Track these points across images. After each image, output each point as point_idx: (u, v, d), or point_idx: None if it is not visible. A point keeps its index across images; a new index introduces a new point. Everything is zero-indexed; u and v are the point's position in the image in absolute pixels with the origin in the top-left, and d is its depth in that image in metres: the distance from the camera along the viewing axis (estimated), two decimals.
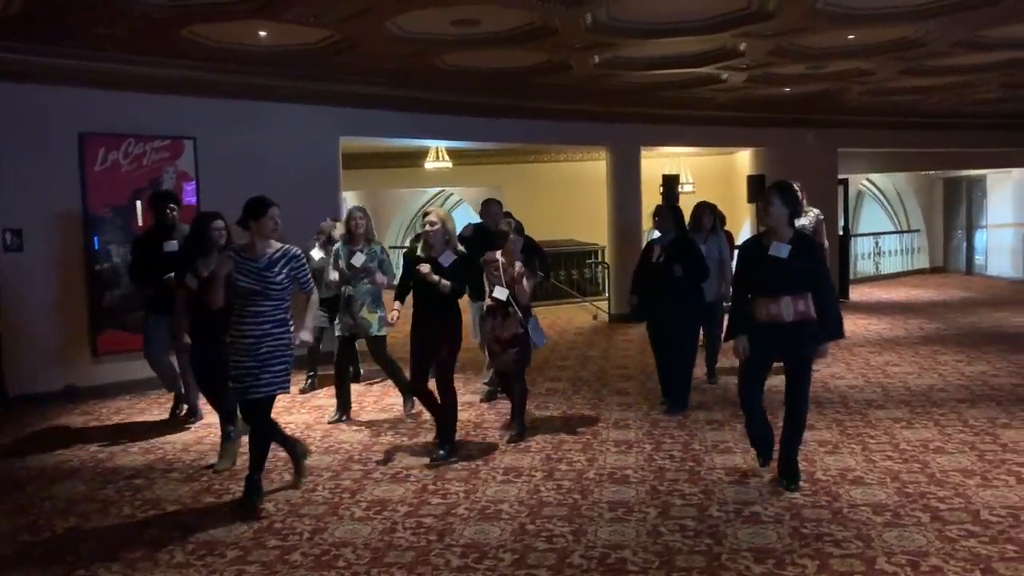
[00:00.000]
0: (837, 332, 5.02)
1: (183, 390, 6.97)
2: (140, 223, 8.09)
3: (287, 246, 4.97)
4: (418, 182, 17.54)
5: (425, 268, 5.59)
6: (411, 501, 4.94)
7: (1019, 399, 6.97)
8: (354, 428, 6.61)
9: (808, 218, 8.07)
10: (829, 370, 8.28)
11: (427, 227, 5.78)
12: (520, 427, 6.25)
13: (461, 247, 5.87)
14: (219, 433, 5.87)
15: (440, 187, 19.52)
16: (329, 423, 6.75)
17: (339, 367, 6.83)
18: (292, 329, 4.93)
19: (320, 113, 9.39)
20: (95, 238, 7.94)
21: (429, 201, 20.97)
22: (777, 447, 5.14)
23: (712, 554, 4.10)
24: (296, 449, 5.30)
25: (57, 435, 6.65)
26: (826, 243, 8.39)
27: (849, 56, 9.18)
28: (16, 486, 5.44)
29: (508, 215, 7.35)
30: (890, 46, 8.74)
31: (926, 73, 10.29)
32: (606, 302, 12.86)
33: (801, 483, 5.00)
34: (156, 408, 7.47)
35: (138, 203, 8.10)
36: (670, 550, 4.16)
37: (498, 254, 6.21)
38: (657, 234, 6.97)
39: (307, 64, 8.61)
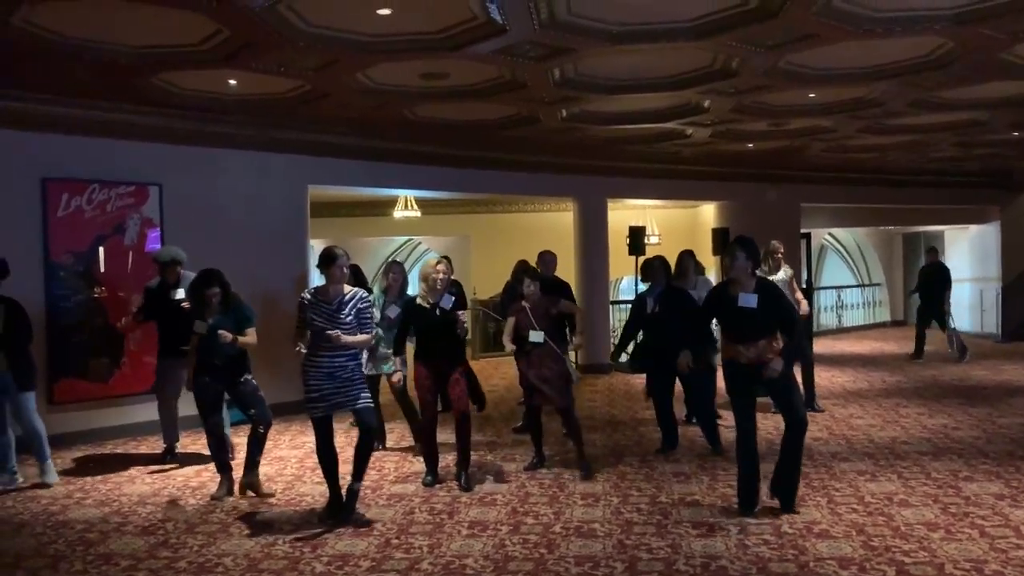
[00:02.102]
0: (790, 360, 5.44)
1: (176, 439, 7.31)
2: (102, 269, 7.99)
3: (356, 289, 5.52)
4: (387, 231, 17.53)
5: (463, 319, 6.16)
6: (374, 556, 4.83)
7: (980, 452, 7.04)
8: (316, 480, 6.48)
9: (779, 276, 8.43)
10: None
11: (439, 275, 6.15)
12: (586, 467, 6.53)
13: (454, 288, 6.32)
14: (176, 486, 5.78)
15: (408, 236, 19.52)
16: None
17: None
18: (365, 360, 5.62)
19: (288, 161, 9.39)
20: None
21: (397, 250, 20.95)
22: (766, 494, 5.58)
23: None
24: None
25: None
26: (799, 297, 8.54)
27: (810, 114, 9.43)
28: None
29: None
30: (849, 105, 9.01)
31: (884, 131, 10.61)
32: (573, 352, 12.83)
33: (766, 535, 5.00)
34: (112, 459, 7.28)
35: (100, 249, 8.00)
36: None
37: (524, 303, 6.61)
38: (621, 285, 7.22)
39: (276, 113, 8.64)
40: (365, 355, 7.08)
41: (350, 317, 5.37)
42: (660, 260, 7.42)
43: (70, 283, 7.85)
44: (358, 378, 5.47)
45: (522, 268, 7.93)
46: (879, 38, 6.47)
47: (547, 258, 8.47)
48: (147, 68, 6.86)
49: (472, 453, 6.48)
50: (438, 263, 6.25)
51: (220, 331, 5.87)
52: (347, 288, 5.47)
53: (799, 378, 7.05)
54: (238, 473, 6.21)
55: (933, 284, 12.89)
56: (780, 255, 8.45)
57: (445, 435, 6.39)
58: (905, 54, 7.17)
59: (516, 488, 6.20)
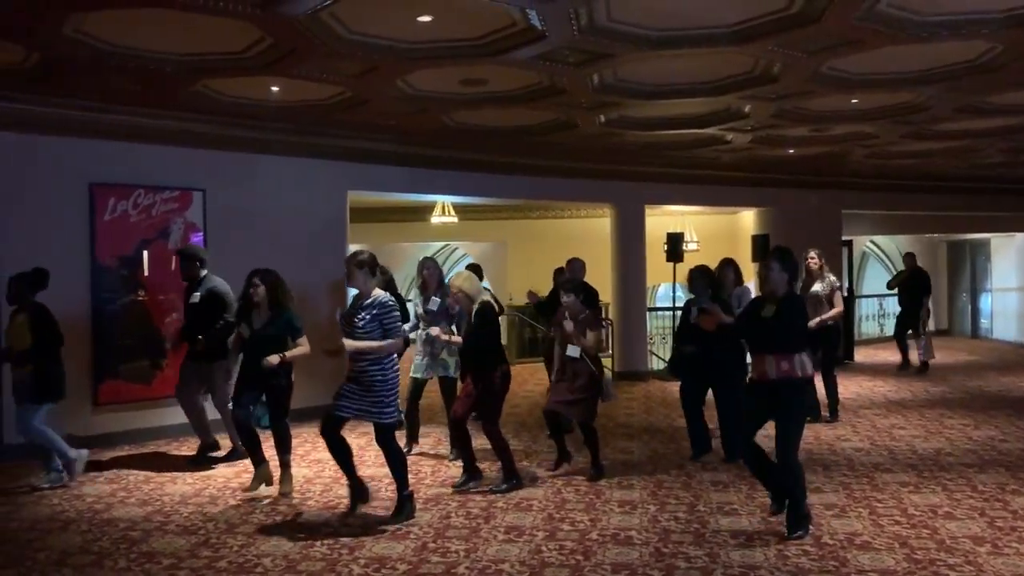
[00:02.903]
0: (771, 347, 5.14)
1: (208, 434, 7.36)
2: (146, 273, 8.14)
3: (380, 294, 5.52)
4: (424, 236, 17.62)
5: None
6: (411, 559, 4.85)
7: None
8: None
9: (823, 284, 8.43)
10: (835, 432, 8.20)
11: (449, 296, 6.35)
12: (598, 468, 6.64)
13: (486, 297, 6.42)
14: (217, 485, 5.89)
15: (445, 241, 19.61)
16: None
17: (411, 406, 7.34)
18: (394, 366, 5.53)
19: (328, 167, 9.50)
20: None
21: (434, 255, 21.03)
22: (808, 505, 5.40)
23: None
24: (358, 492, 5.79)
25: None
26: (840, 307, 8.59)
27: (852, 120, 9.30)
28: (9, 537, 5.36)
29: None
30: (893, 111, 8.86)
31: (929, 137, 10.42)
32: (610, 359, 12.80)
33: (806, 545, 4.92)
34: (154, 459, 7.40)
35: (144, 253, 8.15)
36: None
37: (565, 314, 6.63)
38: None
39: (317, 119, 8.74)
40: (421, 357, 7.20)
41: (364, 321, 5.39)
42: (701, 271, 7.26)
43: (115, 286, 8.01)
44: (386, 389, 5.45)
45: (563, 277, 7.98)
46: (924, 43, 6.36)
47: (575, 265, 8.52)
48: (191, 76, 6.98)
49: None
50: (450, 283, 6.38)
51: (265, 359, 5.82)
52: (376, 292, 5.51)
53: (821, 381, 7.00)
54: (273, 464, 6.33)
55: (914, 291, 12.60)
56: (810, 261, 8.34)
57: (483, 439, 6.40)
58: (953, 58, 7.03)
59: (552, 494, 6.19)
